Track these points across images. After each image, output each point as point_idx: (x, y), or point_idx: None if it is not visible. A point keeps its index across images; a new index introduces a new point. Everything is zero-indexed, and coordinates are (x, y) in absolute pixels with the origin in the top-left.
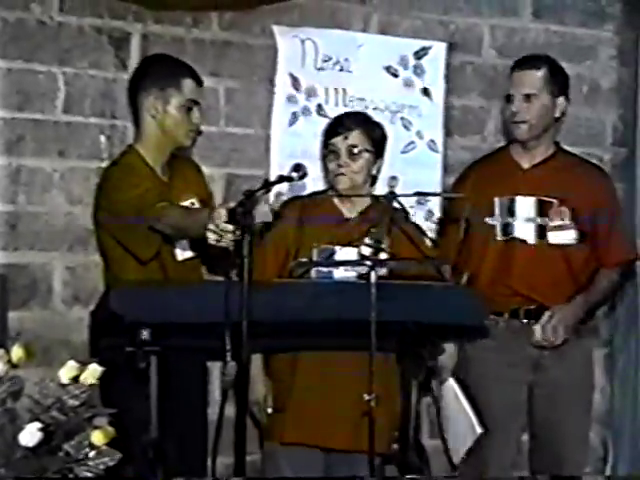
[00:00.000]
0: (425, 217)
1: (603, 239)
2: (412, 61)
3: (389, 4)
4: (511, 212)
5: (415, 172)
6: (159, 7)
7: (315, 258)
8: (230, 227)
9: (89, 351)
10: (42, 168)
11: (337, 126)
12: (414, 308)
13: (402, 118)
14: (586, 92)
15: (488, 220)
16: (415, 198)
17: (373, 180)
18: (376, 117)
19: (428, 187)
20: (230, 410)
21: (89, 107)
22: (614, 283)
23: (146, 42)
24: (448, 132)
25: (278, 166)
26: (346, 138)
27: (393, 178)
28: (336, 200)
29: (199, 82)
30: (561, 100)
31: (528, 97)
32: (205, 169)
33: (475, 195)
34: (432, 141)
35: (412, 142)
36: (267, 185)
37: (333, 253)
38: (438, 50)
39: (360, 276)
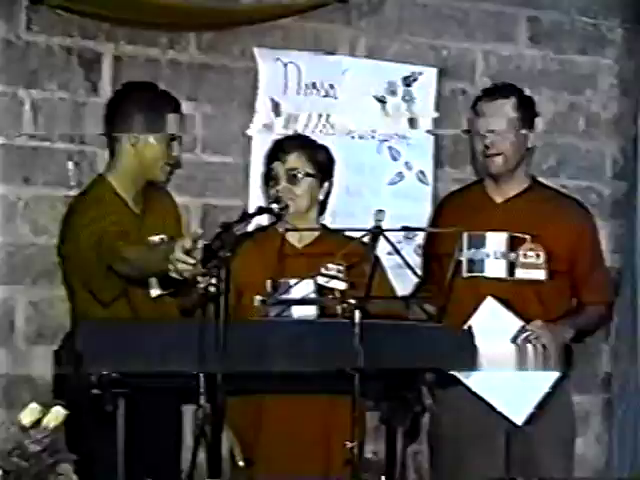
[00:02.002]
0: (415, 251)
1: (583, 279)
2: (401, 87)
3: (377, 27)
4: (481, 248)
5: (403, 205)
6: (132, 24)
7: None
8: (189, 259)
9: (53, 392)
10: (5, 195)
11: (276, 150)
12: (400, 350)
13: (390, 148)
14: (585, 122)
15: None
16: (403, 232)
17: (322, 206)
18: (362, 146)
19: (417, 221)
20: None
21: (57, 132)
22: (602, 314)
23: (119, 63)
24: (438, 163)
25: (257, 196)
26: (284, 162)
27: (380, 211)
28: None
29: (181, 113)
30: (531, 129)
31: (500, 128)
32: (180, 199)
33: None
34: (421, 172)
35: (400, 173)
36: (246, 217)
37: (289, 287)
38: (428, 76)
39: (321, 312)
